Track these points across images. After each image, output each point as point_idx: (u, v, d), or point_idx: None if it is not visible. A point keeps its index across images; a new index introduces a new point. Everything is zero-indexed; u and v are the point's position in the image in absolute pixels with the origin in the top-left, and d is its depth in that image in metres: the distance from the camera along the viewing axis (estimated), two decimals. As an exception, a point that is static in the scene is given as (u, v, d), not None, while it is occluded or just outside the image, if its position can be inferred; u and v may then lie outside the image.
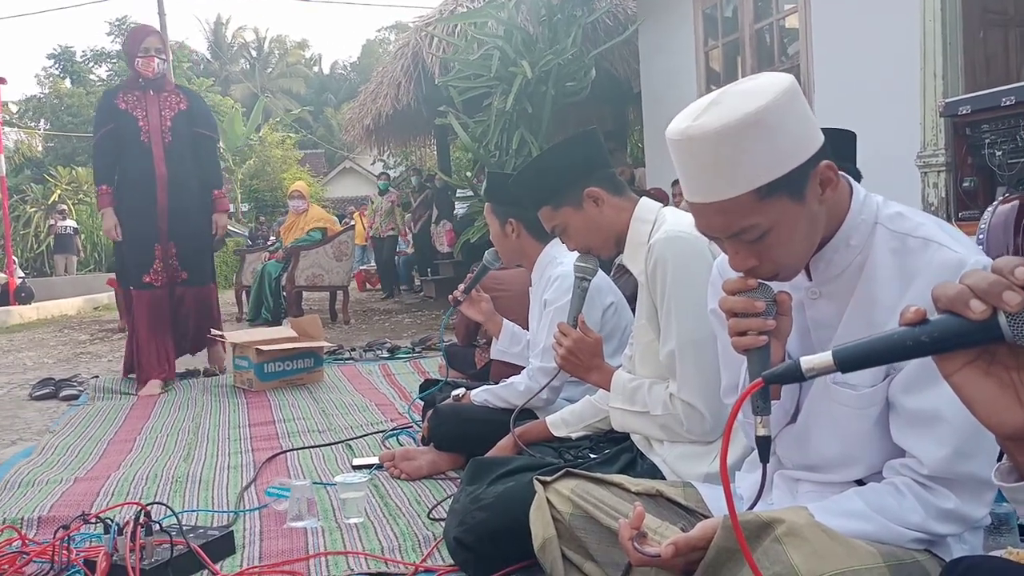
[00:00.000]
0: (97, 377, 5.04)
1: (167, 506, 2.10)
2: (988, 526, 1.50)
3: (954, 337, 0.70)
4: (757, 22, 5.81)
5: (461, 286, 2.94)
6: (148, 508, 1.91)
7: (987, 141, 3.61)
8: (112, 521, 1.92)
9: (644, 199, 1.93)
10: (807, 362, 0.75)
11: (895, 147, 4.14)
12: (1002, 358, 0.70)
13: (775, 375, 0.77)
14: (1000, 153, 3.56)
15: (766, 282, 1.17)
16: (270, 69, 37.12)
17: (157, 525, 1.90)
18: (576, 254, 2.03)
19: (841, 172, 1.18)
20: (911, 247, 1.16)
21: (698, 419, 1.73)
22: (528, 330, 2.84)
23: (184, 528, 2.02)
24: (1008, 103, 3.43)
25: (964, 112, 3.66)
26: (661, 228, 1.82)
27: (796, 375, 0.75)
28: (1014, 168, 3.51)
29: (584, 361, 1.96)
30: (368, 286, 13.68)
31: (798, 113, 1.11)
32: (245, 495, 2.57)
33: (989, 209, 2.26)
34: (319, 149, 30.93)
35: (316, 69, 39.82)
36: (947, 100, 3.81)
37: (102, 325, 9.54)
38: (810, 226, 1.14)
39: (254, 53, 37.73)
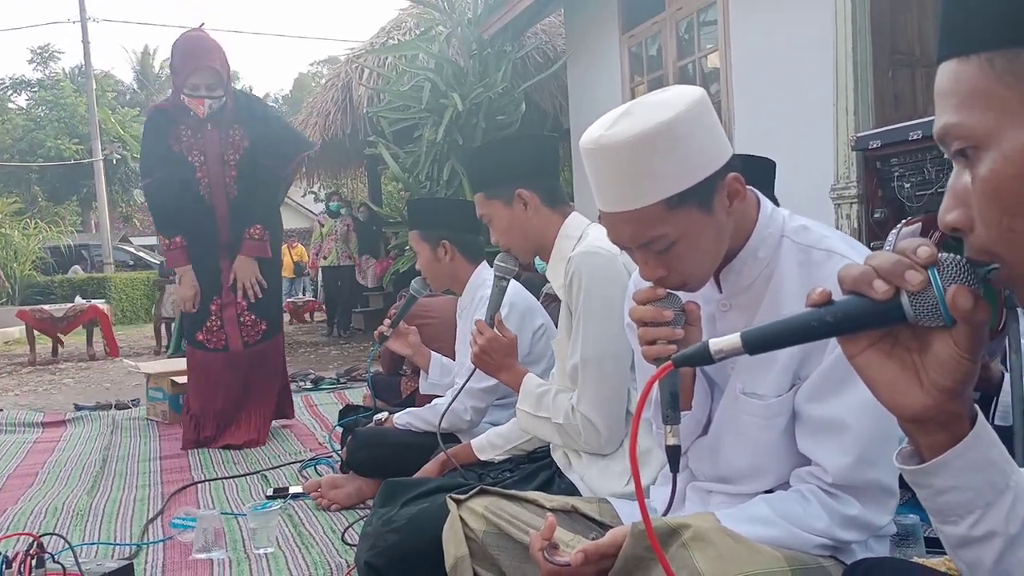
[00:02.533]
0: (2, 410, 4.79)
1: (63, 537, 1.98)
2: (894, 536, 1.53)
3: (858, 317, 0.70)
4: (680, 59, 5.97)
5: (387, 320, 2.88)
6: (41, 540, 1.80)
7: (896, 174, 3.74)
8: (1, 554, 1.79)
9: (574, 215, 1.94)
10: (715, 344, 0.74)
11: (811, 180, 4.27)
12: (904, 340, 0.70)
13: (685, 357, 0.76)
14: (908, 185, 3.70)
15: (675, 292, 1.17)
16: (199, 100, 36.46)
17: (50, 558, 1.79)
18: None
19: (750, 188, 1.20)
20: (815, 259, 1.18)
21: (594, 433, 1.74)
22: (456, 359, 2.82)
23: (80, 562, 1.90)
24: (915, 137, 3.57)
25: (874, 146, 3.80)
26: (583, 242, 1.82)
27: (705, 357, 0.74)
28: (921, 199, 3.65)
29: (497, 360, 1.95)
30: (295, 320, 13.41)
31: (707, 125, 1.12)
32: (150, 528, 2.45)
33: (894, 232, 2.33)
34: (248, 182, 30.40)
35: (247, 101, 39.27)
36: (858, 134, 3.95)
37: (11, 359, 9.11)
38: (718, 237, 1.15)
39: (182, 84, 37.05)
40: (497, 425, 2.34)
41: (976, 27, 0.64)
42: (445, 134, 6.48)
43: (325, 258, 10.11)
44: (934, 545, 1.75)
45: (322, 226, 10.35)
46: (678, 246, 1.12)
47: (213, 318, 3.63)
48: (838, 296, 0.71)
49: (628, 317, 1.41)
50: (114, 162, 19.19)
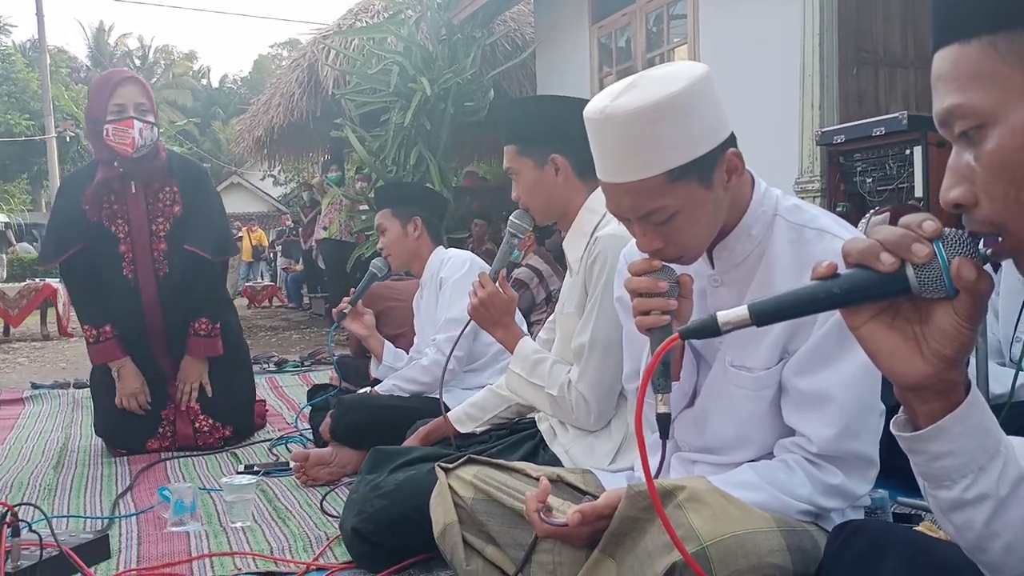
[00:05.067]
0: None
1: (37, 507, 1.96)
2: (866, 509, 1.59)
3: (864, 289, 0.73)
4: (649, 52, 6.03)
5: (346, 299, 2.90)
6: (15, 509, 1.78)
7: (859, 169, 3.85)
8: (-27, 524, 1.77)
9: (600, 189, 1.94)
10: (723, 316, 0.76)
11: (776, 173, 4.36)
12: (905, 312, 0.74)
13: (691, 330, 0.78)
14: (870, 180, 3.80)
15: (669, 265, 1.20)
16: (154, 79, 35.68)
17: (27, 526, 1.77)
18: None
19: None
20: (807, 238, 1.22)
21: (586, 411, 1.77)
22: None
23: (55, 532, 1.89)
24: (878, 133, 3.67)
25: (838, 141, 3.90)
26: (610, 224, 1.81)
27: (713, 329, 0.76)
28: (883, 195, 3.75)
29: (495, 316, 1.94)
30: (254, 305, 13.26)
31: (711, 100, 1.16)
32: (120, 502, 2.43)
33: (863, 221, 2.41)
34: (205, 163, 29.88)
35: (204, 82, 38.62)
36: (823, 129, 4.04)
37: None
38: (715, 211, 1.18)
39: (138, 62, 36.27)
40: (471, 390, 2.37)
41: (977, 12, 0.68)
42: (413, 119, 6.46)
43: (325, 228, 8.78)
44: (902, 520, 1.83)
45: (327, 193, 8.87)
46: (677, 219, 1.15)
47: (165, 424, 3.05)
48: (842, 270, 0.74)
49: (618, 290, 1.45)
50: (67, 140, 18.71)
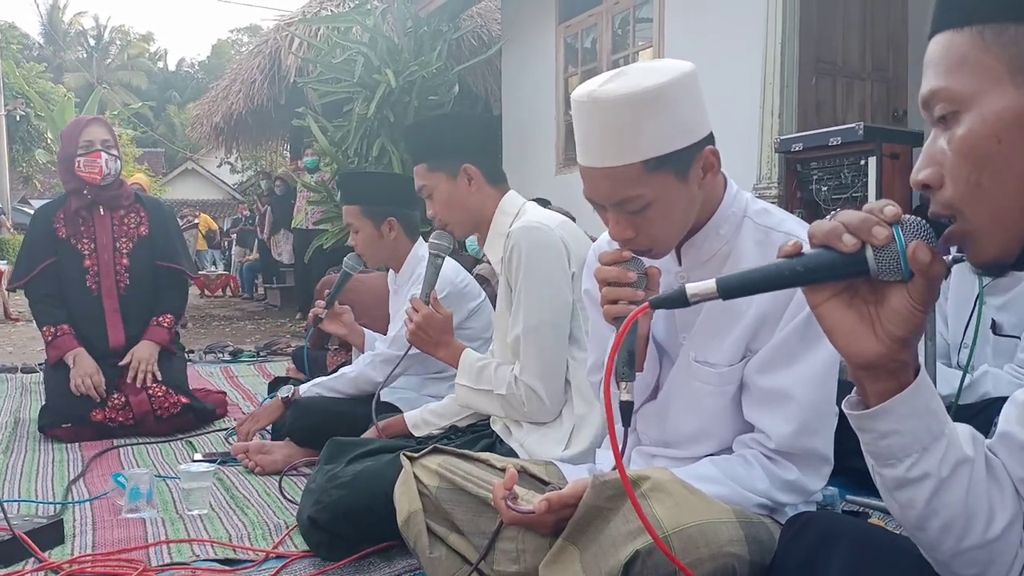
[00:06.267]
0: None
1: (-12, 491, 1.93)
2: (818, 504, 1.65)
3: (826, 268, 0.77)
4: (615, 53, 6.09)
5: (320, 302, 2.84)
6: (-34, 492, 1.76)
7: (815, 177, 3.94)
8: (-78, 506, 1.74)
9: (512, 193, 1.99)
10: (692, 287, 0.79)
11: (735, 179, 4.43)
12: (863, 294, 0.79)
13: (661, 300, 0.82)
14: (826, 188, 3.90)
15: (638, 257, 1.24)
16: (109, 60, 34.97)
17: (-23, 510, 1.75)
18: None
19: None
20: (774, 240, 1.26)
21: (537, 401, 1.81)
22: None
23: (8, 516, 1.86)
24: (835, 143, 3.77)
25: (796, 149, 3.99)
26: (521, 218, 1.88)
27: (681, 299, 0.80)
28: (838, 203, 3.85)
29: (433, 337, 1.98)
30: (207, 294, 13.07)
31: (695, 97, 1.19)
32: (73, 488, 2.40)
33: (821, 227, 2.48)
34: (159, 148, 29.34)
35: (161, 64, 37.87)
36: (782, 137, 4.14)
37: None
38: (688, 206, 1.22)
39: (92, 41, 35.42)
40: (436, 398, 2.37)
41: (973, 2, 0.72)
42: (377, 110, 6.43)
43: (296, 219, 8.59)
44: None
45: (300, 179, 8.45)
46: (651, 209, 1.18)
47: (116, 396, 3.09)
48: (808, 250, 0.78)
49: (586, 283, 1.49)
50: (17, 119, 18.17)
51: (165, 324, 3.30)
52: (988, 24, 0.71)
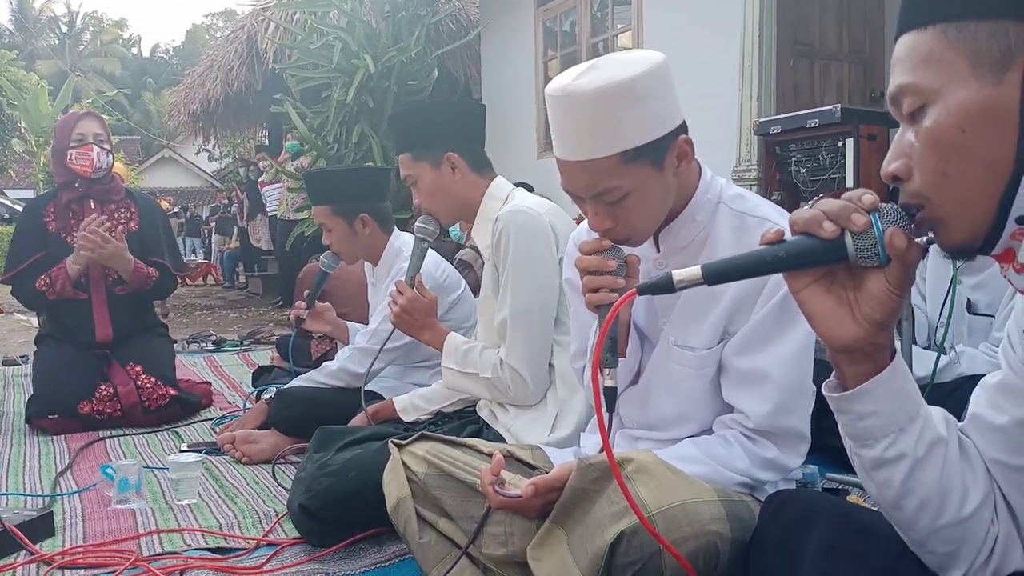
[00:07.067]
0: None
1: (-23, 486, 1.93)
2: (797, 482, 1.69)
3: (807, 254, 0.80)
4: (594, 37, 6.09)
5: (300, 303, 2.83)
6: (-45, 487, 1.76)
7: (794, 159, 3.98)
8: (-89, 502, 1.75)
9: (499, 179, 2.01)
10: (678, 274, 0.82)
11: (714, 161, 4.44)
12: (842, 279, 0.82)
13: (647, 286, 0.84)
14: (804, 170, 3.94)
15: (618, 246, 1.26)
16: (82, 47, 34.45)
17: (-34, 504, 1.76)
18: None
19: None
20: (749, 225, 1.29)
21: (522, 384, 1.84)
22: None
23: (-4, 510, 1.87)
24: (813, 125, 3.81)
25: (775, 131, 4.03)
26: (509, 204, 1.91)
27: (668, 285, 0.82)
28: (816, 184, 3.90)
29: (418, 320, 2.01)
30: (187, 283, 12.98)
31: (667, 88, 1.21)
32: (61, 480, 2.40)
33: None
34: (135, 136, 29.01)
35: (135, 51, 37.37)
36: (761, 119, 4.17)
37: None
38: (664, 195, 1.24)
39: (64, 28, 34.88)
40: (420, 385, 2.40)
41: (935, 2, 0.75)
42: (355, 96, 6.40)
43: (280, 208, 8.28)
44: (830, 494, 1.94)
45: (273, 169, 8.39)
46: (628, 200, 1.21)
47: (103, 388, 3.06)
48: (789, 237, 0.81)
49: (567, 272, 1.51)
50: (-13, 106, 17.89)
51: (150, 271, 3.24)
52: (951, 22, 0.74)
